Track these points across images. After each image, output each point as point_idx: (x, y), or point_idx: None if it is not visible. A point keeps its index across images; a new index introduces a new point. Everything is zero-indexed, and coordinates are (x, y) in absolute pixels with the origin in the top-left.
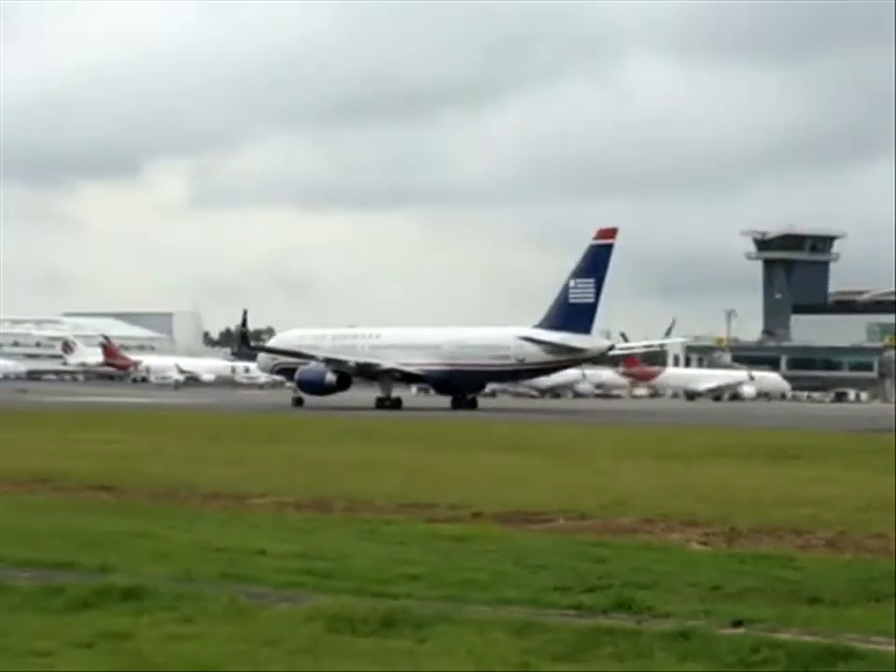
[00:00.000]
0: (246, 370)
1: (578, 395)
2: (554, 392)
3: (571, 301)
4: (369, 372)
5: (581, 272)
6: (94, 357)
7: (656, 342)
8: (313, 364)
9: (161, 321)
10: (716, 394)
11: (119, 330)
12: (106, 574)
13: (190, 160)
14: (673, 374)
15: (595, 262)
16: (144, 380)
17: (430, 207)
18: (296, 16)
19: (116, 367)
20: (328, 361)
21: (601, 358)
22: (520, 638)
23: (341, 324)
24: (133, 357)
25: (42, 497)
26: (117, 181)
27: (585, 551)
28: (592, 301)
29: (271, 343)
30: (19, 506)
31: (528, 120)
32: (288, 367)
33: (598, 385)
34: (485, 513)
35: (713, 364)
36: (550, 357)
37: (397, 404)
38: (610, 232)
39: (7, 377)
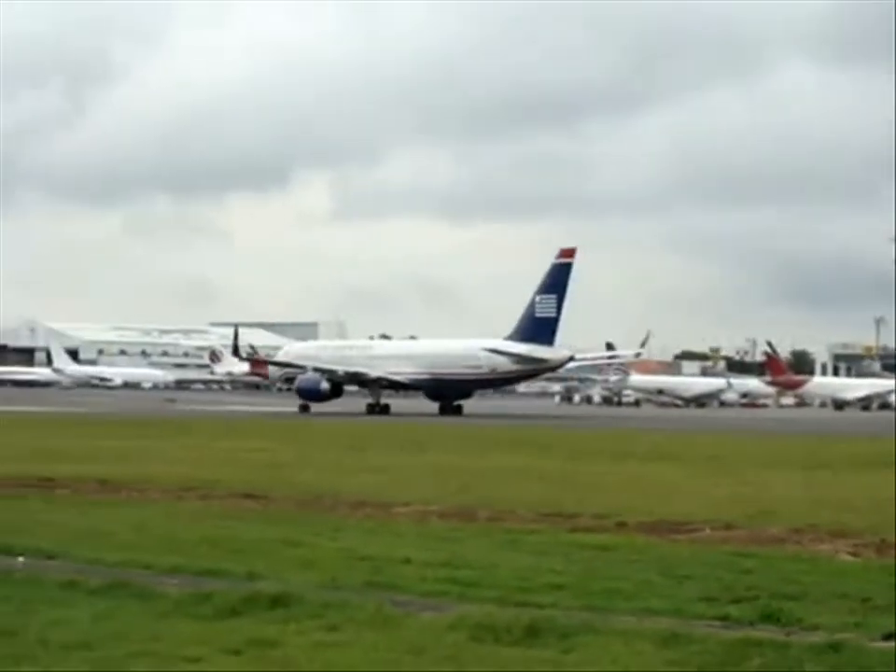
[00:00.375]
0: None
1: (723, 404)
2: (699, 401)
3: (537, 315)
4: (359, 381)
5: (544, 288)
6: (241, 366)
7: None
8: (309, 373)
9: (306, 331)
10: (864, 403)
11: (265, 340)
12: (254, 581)
13: (334, 170)
14: (820, 383)
15: (557, 280)
16: (289, 389)
17: (572, 216)
18: (437, 23)
19: (262, 376)
20: (320, 371)
21: (562, 368)
22: (666, 649)
23: (482, 333)
24: None
25: (190, 504)
26: (264, 192)
27: (731, 561)
28: (554, 315)
29: (280, 354)
30: (167, 513)
31: (674, 128)
32: (293, 376)
33: (744, 395)
34: (630, 523)
35: (861, 373)
36: (517, 367)
37: (385, 410)
38: (570, 252)
39: (156, 386)
